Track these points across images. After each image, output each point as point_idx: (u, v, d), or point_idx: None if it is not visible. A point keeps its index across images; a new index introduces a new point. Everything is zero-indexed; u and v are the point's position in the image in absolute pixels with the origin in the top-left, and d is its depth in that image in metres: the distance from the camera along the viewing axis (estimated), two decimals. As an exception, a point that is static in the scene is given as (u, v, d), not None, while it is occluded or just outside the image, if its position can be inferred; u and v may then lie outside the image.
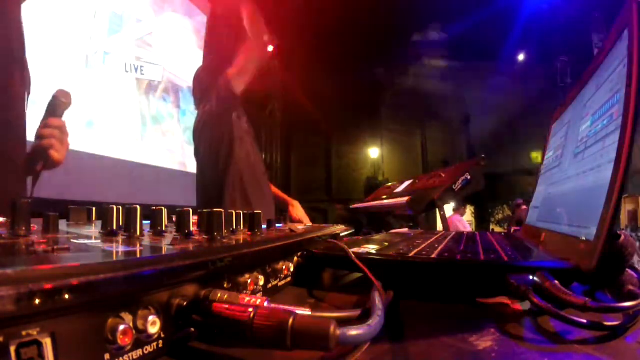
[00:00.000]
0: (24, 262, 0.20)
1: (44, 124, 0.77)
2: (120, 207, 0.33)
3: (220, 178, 1.43)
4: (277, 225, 0.55)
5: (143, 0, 3.34)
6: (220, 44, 1.51)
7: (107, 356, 0.17)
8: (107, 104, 2.97)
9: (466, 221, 4.74)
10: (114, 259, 0.22)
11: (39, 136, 0.76)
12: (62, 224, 0.39)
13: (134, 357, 0.18)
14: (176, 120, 3.58)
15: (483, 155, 1.38)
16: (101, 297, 0.17)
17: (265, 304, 0.22)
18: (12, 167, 0.73)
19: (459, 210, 4.29)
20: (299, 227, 0.57)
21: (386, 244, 0.52)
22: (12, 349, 0.14)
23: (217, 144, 1.45)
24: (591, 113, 0.43)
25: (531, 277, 0.30)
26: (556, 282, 0.29)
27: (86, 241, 0.27)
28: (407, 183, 1.63)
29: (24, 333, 0.14)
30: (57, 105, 0.78)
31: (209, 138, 1.48)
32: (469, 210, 5.93)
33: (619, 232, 0.30)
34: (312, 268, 0.42)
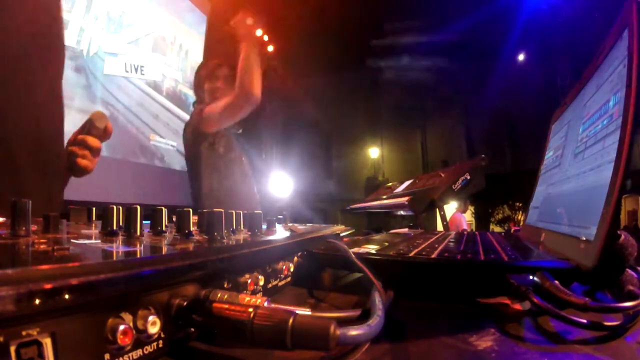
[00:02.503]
0: (24, 262, 0.20)
1: (81, 140, 0.76)
2: (120, 207, 0.33)
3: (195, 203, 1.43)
4: (277, 225, 0.55)
5: (143, 1, 3.34)
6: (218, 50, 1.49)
7: (107, 356, 0.17)
8: (107, 104, 2.97)
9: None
10: (114, 259, 0.22)
11: (71, 152, 0.75)
12: (62, 224, 0.39)
13: (134, 357, 0.18)
14: (176, 120, 3.58)
15: (483, 155, 1.37)
16: (101, 297, 0.17)
17: (265, 304, 0.22)
18: (51, 168, 0.70)
19: (461, 207, 4.32)
20: (299, 227, 0.57)
21: (386, 244, 0.52)
22: (12, 349, 0.14)
23: (188, 173, 1.46)
24: (591, 113, 0.43)
25: (531, 277, 0.30)
26: (556, 282, 0.29)
27: (86, 241, 0.27)
28: (407, 183, 1.63)
29: (24, 333, 0.14)
30: (91, 129, 0.77)
31: (186, 163, 1.50)
32: (469, 210, 5.93)
33: (619, 232, 0.30)
34: (312, 268, 0.42)
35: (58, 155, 0.72)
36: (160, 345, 0.20)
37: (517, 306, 0.34)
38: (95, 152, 0.78)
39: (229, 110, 1.35)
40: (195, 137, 1.44)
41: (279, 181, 5.96)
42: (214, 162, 1.43)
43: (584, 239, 0.33)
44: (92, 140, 0.77)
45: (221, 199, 1.42)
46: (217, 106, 1.38)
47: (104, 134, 0.79)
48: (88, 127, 0.77)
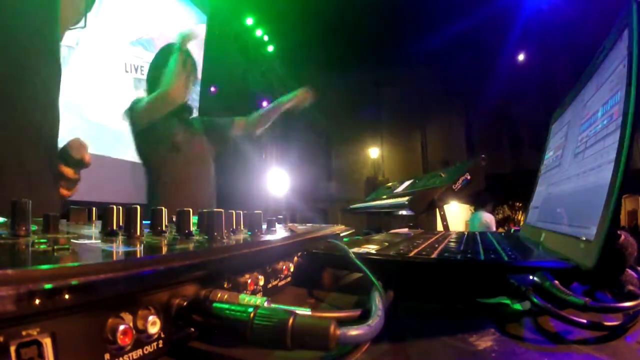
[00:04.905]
0: (24, 262, 0.20)
1: (57, 170, 0.72)
2: (120, 207, 0.33)
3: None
4: (277, 225, 0.55)
5: (143, 1, 3.34)
6: None
7: (107, 356, 0.17)
8: (107, 104, 2.97)
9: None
10: (114, 259, 0.22)
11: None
12: (62, 224, 0.39)
13: (134, 357, 0.18)
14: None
15: (483, 155, 1.37)
16: (101, 297, 0.17)
17: (265, 304, 0.22)
18: (45, 174, 0.68)
19: (486, 207, 3.71)
20: (299, 227, 0.57)
21: (386, 244, 0.52)
22: (12, 349, 0.14)
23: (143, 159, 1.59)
24: (591, 113, 0.43)
25: (531, 277, 0.30)
26: (556, 282, 0.29)
27: (86, 241, 0.27)
28: (407, 183, 1.63)
29: (24, 333, 0.14)
30: (68, 158, 0.73)
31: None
32: (469, 210, 5.94)
33: (619, 232, 0.30)
34: (312, 268, 0.42)
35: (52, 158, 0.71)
36: (160, 345, 0.20)
37: (517, 306, 0.34)
38: (72, 182, 0.74)
39: (153, 106, 1.41)
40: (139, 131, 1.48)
41: (279, 181, 5.96)
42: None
43: (584, 239, 0.33)
44: (67, 172, 0.73)
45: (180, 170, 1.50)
46: (143, 102, 1.44)
47: (81, 164, 0.74)
48: (65, 157, 0.72)
